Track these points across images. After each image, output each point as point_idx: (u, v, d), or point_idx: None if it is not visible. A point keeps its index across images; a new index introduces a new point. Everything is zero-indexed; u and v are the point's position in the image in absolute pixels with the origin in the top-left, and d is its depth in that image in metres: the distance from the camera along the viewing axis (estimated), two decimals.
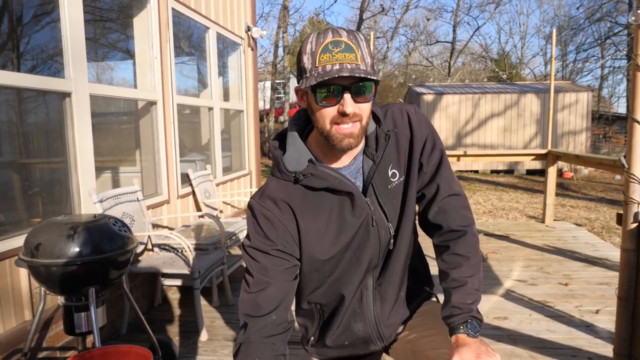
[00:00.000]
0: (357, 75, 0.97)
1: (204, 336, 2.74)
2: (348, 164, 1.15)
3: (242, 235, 3.60)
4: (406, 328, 1.30)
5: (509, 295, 3.34)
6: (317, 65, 1.00)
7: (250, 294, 1.09)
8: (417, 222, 1.26)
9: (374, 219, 1.15)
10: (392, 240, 1.19)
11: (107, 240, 1.88)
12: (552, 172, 5.48)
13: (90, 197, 2.61)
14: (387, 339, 1.29)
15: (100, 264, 1.84)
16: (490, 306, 3.14)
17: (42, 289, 1.95)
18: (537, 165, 12.46)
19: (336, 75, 0.97)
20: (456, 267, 1.13)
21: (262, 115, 19.47)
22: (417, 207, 1.24)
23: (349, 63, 0.99)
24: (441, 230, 1.18)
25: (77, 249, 1.78)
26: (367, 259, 1.18)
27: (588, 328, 2.77)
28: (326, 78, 0.97)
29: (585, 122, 13.07)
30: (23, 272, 2.20)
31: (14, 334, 2.11)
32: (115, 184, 3.86)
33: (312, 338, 1.32)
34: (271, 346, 1.06)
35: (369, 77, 0.98)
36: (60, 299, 1.91)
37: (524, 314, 3.00)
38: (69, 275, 1.79)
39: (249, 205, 1.14)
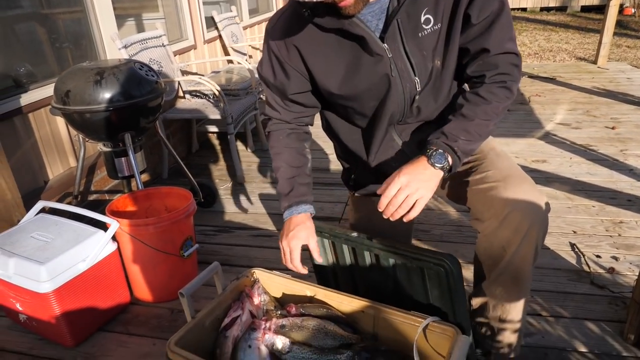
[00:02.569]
0: None
1: (241, 179, 2.83)
2: (372, 1, 1.00)
3: None
4: None
5: (550, 138, 3.23)
6: None
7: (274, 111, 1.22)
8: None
9: (395, 67, 1.03)
10: (417, 97, 1.08)
11: (136, 85, 1.82)
12: (614, 5, 4.87)
13: (113, 42, 2.49)
14: None
15: (131, 109, 1.82)
16: (528, 149, 3.06)
17: (80, 136, 1.98)
18: (594, 0, 11.16)
19: None
20: (472, 105, 1.03)
21: None
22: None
23: None
24: (478, 80, 1.06)
25: (107, 95, 1.74)
26: (388, 113, 1.10)
27: (631, 172, 2.68)
28: None
29: None
30: (60, 121, 2.22)
31: (63, 179, 2.22)
32: (139, 31, 3.67)
33: (352, 176, 1.36)
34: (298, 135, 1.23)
35: None
36: (100, 146, 1.95)
37: (565, 157, 2.92)
38: (103, 121, 1.78)
39: (266, 31, 1.14)
